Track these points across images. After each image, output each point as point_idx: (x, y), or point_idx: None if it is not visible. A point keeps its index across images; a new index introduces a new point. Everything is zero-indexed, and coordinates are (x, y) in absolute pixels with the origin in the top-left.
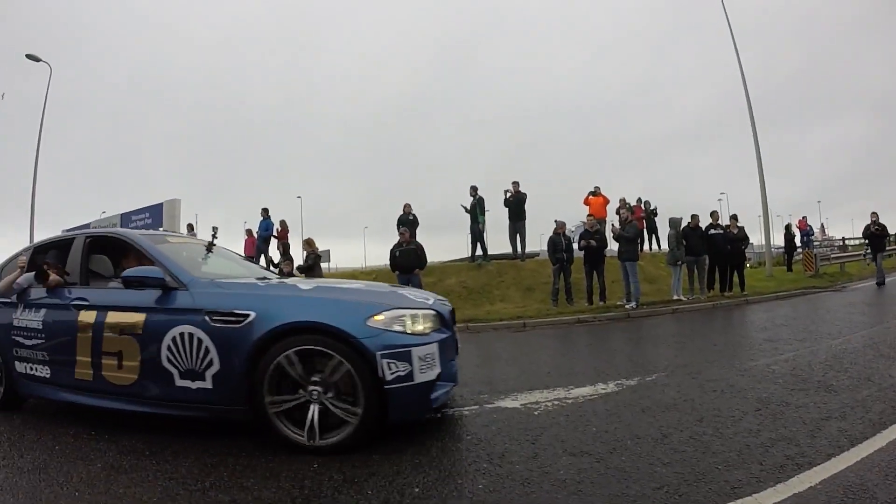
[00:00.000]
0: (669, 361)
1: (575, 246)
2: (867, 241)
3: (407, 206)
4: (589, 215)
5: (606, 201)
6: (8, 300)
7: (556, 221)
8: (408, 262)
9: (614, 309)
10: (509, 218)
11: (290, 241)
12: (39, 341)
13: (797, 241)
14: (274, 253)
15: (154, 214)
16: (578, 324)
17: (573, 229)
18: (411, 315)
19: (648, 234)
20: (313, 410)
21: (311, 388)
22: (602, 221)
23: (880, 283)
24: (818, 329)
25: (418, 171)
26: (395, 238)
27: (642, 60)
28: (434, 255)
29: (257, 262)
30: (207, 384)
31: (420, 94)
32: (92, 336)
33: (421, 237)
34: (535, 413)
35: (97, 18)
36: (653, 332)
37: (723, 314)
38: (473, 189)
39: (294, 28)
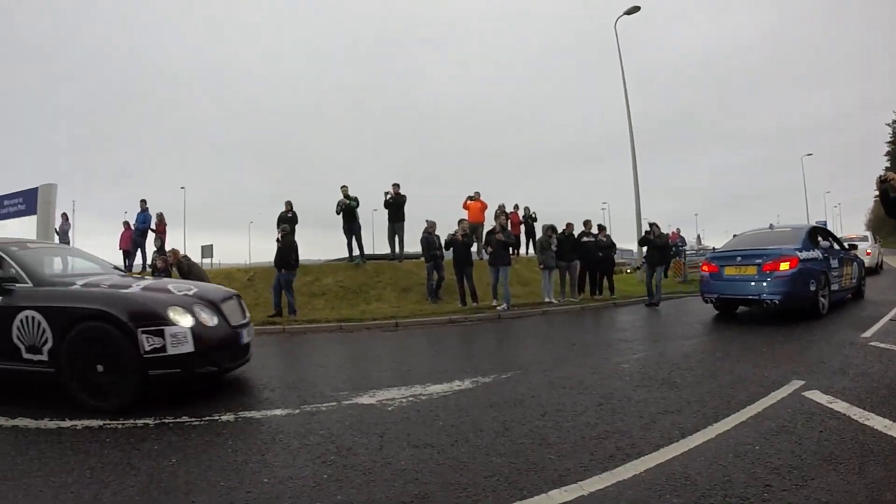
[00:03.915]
0: (527, 360)
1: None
2: (645, 256)
3: (288, 204)
4: (461, 220)
5: (484, 206)
6: (819, 257)
7: (427, 221)
8: (278, 260)
9: (486, 310)
10: (388, 219)
11: (167, 235)
12: (836, 274)
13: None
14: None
15: (28, 200)
16: (450, 324)
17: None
18: None
19: (526, 238)
20: None
21: None
22: (479, 225)
23: (655, 304)
24: (674, 331)
25: (324, 165)
26: None
27: (562, 79)
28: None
29: (134, 256)
30: None
31: (341, 88)
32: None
33: (316, 235)
34: (389, 409)
35: None
36: (519, 332)
37: (589, 316)
38: (344, 188)
39: (216, 6)
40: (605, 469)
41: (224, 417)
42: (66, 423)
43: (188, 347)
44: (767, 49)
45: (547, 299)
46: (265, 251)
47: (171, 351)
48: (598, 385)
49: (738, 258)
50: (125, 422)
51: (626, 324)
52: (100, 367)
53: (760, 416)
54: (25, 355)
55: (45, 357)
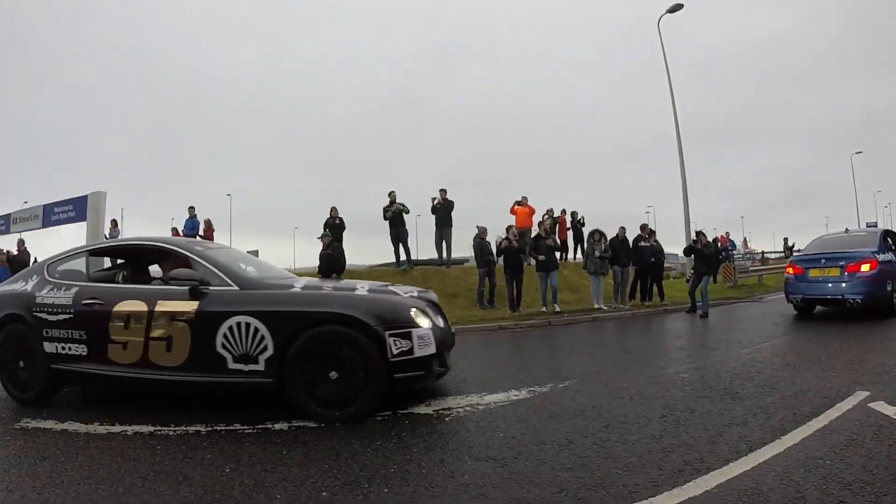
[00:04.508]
0: (583, 368)
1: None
2: (693, 266)
3: (333, 210)
4: (509, 226)
5: (532, 211)
6: (892, 259)
7: (478, 227)
8: (324, 267)
9: (536, 316)
10: (436, 224)
11: (214, 241)
12: None
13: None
14: None
15: (78, 207)
16: (500, 330)
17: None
18: None
19: (574, 243)
20: None
21: None
22: (527, 231)
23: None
24: (730, 338)
25: (372, 170)
26: None
27: (605, 81)
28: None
29: None
30: None
31: (390, 96)
32: None
33: (358, 240)
34: (446, 419)
35: None
36: (571, 339)
37: (640, 323)
38: (392, 194)
39: (272, 17)
40: (675, 485)
41: (278, 426)
42: (117, 429)
43: (431, 349)
44: (816, 42)
45: (597, 305)
46: (310, 256)
47: (417, 353)
48: (658, 395)
49: (823, 261)
50: (176, 428)
51: (679, 331)
52: (333, 374)
53: (828, 429)
54: (232, 365)
55: (260, 367)
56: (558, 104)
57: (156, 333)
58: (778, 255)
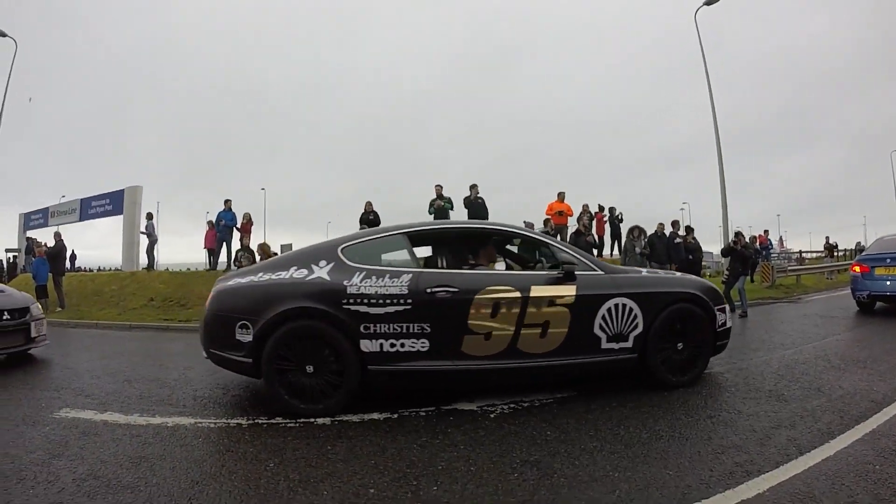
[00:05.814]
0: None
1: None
2: (729, 266)
3: (368, 205)
4: (546, 219)
5: (569, 211)
6: None
7: (524, 223)
8: None
9: None
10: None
11: (251, 235)
12: None
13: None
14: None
15: (115, 201)
16: None
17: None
18: None
19: (612, 240)
20: None
21: None
22: (563, 227)
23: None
24: (772, 339)
25: (413, 167)
26: None
27: (646, 85)
28: None
29: (219, 254)
30: None
31: (434, 94)
32: None
33: None
34: (491, 416)
35: None
36: None
37: None
38: (438, 188)
39: (317, 20)
40: (727, 487)
41: (320, 420)
42: (157, 420)
43: (731, 322)
44: (857, 43)
45: None
46: None
47: (728, 324)
48: (704, 396)
49: (888, 260)
50: (217, 421)
51: None
52: (679, 345)
53: (876, 434)
54: (605, 345)
55: (629, 344)
56: (598, 105)
57: (531, 320)
58: (818, 255)
